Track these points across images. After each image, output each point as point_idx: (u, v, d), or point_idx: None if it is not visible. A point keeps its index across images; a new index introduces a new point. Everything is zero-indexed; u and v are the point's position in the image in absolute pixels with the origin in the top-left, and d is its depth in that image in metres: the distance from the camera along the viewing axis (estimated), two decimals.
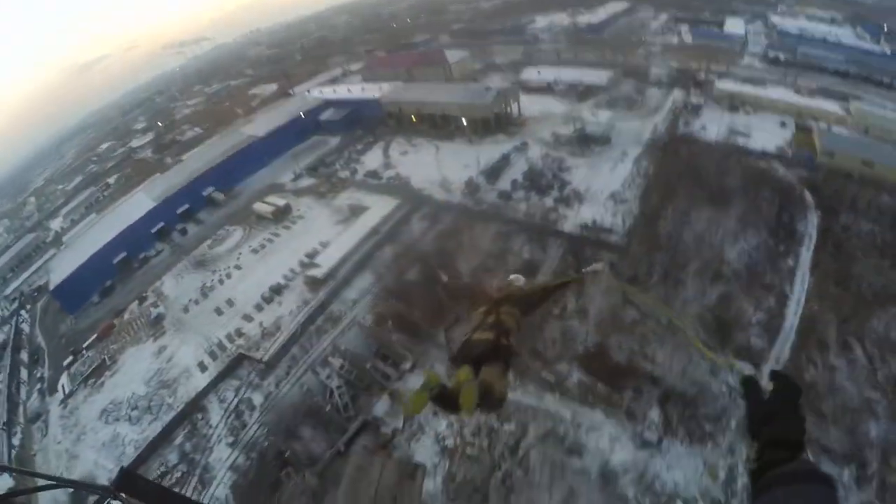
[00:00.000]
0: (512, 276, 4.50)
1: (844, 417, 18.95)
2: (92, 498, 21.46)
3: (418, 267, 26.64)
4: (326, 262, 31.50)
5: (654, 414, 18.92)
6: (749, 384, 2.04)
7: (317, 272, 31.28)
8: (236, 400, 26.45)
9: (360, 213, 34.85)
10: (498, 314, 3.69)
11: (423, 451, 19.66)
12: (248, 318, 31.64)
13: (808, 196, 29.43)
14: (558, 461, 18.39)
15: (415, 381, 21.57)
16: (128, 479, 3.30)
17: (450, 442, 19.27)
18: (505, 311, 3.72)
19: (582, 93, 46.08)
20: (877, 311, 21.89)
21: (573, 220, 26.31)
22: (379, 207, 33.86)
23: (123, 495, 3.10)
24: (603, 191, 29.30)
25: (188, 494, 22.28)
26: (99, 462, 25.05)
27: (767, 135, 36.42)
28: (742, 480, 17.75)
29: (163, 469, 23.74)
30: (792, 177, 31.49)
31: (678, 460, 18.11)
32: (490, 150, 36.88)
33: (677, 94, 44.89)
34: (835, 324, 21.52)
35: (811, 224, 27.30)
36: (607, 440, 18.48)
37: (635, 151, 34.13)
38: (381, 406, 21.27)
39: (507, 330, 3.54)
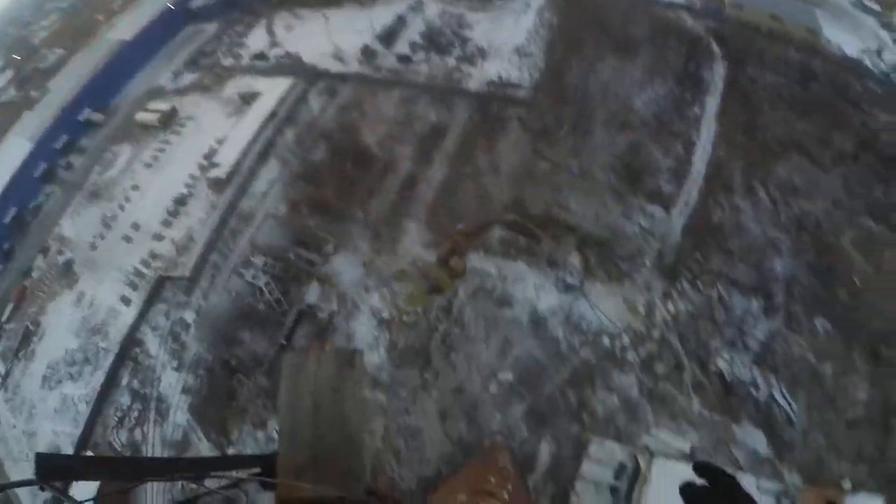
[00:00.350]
0: None
1: (751, 255, 21.31)
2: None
3: (323, 145, 25.16)
4: (226, 159, 29.02)
5: (574, 259, 20.45)
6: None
7: (218, 172, 28.86)
8: (169, 323, 25.65)
9: (253, 101, 31.53)
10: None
11: (362, 327, 20.41)
12: (158, 237, 29.40)
13: (715, 47, 29.77)
14: (491, 315, 19.85)
15: (340, 264, 21.59)
16: (46, 462, 2.93)
17: (386, 314, 20.05)
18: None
19: None
20: (781, 159, 23.62)
21: (478, 77, 25.33)
22: (271, 91, 30.64)
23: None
24: (507, 45, 28.10)
25: (149, 431, 22.43)
26: (58, 430, 24.31)
27: None
28: (660, 313, 20.27)
29: (119, 414, 23.44)
30: (699, 27, 31.46)
31: (600, 300, 20.10)
32: (383, 13, 33.50)
33: None
34: (741, 169, 23.08)
35: (718, 74, 27.96)
36: (533, 289, 20.00)
37: (538, 2, 32.37)
38: (312, 293, 21.35)
39: None
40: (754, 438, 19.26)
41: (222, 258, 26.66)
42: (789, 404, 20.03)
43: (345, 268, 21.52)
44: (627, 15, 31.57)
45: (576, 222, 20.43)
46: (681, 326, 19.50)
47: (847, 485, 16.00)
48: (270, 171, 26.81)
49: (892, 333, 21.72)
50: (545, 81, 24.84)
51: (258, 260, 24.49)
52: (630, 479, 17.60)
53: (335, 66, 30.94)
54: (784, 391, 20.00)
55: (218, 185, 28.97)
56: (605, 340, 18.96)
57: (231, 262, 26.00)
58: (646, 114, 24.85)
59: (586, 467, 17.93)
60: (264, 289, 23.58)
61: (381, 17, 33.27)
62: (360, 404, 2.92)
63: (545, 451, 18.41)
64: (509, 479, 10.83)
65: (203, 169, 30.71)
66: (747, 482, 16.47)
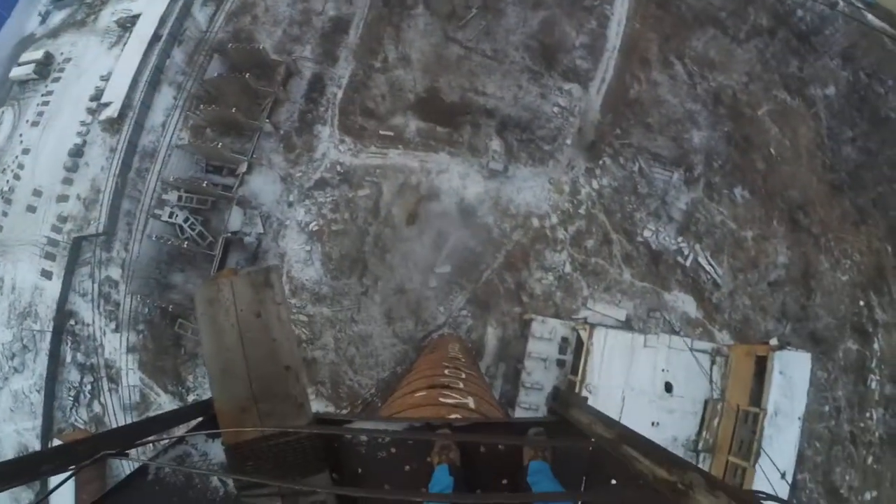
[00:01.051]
0: None
1: (669, 127, 21.25)
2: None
3: (218, 59, 22.79)
4: (115, 95, 25.92)
5: (496, 144, 19.91)
6: None
7: (110, 111, 25.90)
8: (96, 285, 24.04)
9: (133, 25, 27.83)
10: None
11: (293, 244, 19.62)
12: (63, 198, 26.75)
13: None
14: (421, 210, 19.37)
15: (257, 183, 20.25)
16: None
17: (314, 225, 19.23)
18: None
19: None
20: (696, 32, 22.99)
21: None
22: (150, 11, 26.92)
23: None
24: None
25: (106, 401, 21.66)
26: (20, 429, 22.91)
27: None
28: (585, 190, 20.31)
29: (73, 393, 22.33)
30: None
31: (525, 182, 19.90)
32: None
33: None
34: (656, 43, 22.47)
35: None
36: (458, 178, 19.52)
37: None
38: (235, 218, 20.12)
39: None
40: (685, 303, 20.45)
41: (134, 203, 24.67)
42: (714, 269, 21.21)
43: (263, 186, 20.23)
44: None
45: (494, 106, 19.64)
46: (606, 201, 19.76)
47: (774, 342, 17.18)
48: (165, 99, 24.24)
49: (807, 202, 22.93)
50: None
51: (171, 196, 22.71)
52: (574, 352, 18.44)
53: None
54: (709, 257, 21.07)
55: (112, 125, 26.18)
56: (535, 222, 19.01)
57: (144, 205, 24.12)
58: None
59: (532, 346, 18.64)
60: (184, 226, 22.08)
61: None
62: (286, 325, 2.70)
63: (492, 335, 18.92)
64: (462, 367, 10.84)
65: (93, 112, 27.49)
66: (680, 343, 17.48)
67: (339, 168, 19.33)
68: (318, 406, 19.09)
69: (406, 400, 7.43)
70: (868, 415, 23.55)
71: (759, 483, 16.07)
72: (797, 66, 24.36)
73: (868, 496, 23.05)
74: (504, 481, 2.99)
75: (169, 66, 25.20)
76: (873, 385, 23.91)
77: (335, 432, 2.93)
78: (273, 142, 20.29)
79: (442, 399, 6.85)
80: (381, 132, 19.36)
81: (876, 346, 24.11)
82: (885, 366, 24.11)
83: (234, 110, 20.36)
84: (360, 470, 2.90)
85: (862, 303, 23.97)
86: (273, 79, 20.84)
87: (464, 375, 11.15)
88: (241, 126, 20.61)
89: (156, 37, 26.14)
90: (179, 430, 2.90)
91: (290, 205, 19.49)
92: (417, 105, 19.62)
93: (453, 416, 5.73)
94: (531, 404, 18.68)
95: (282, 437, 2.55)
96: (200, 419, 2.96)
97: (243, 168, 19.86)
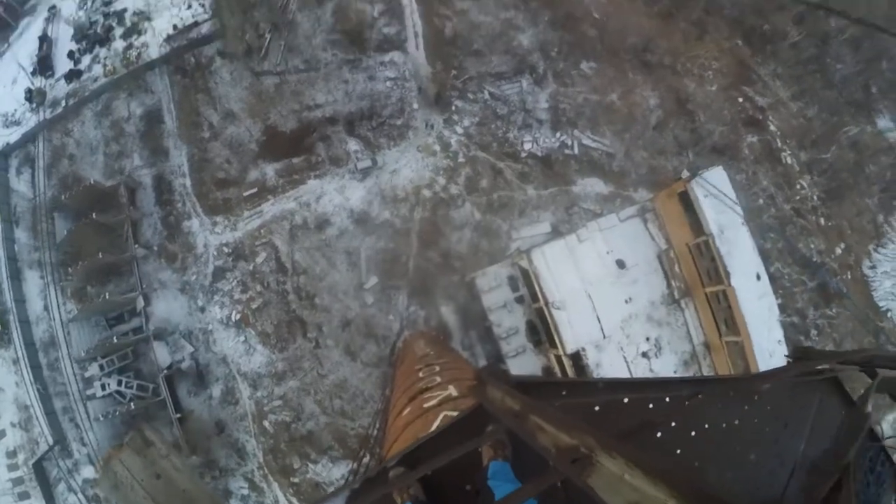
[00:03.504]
0: None
1: (496, 44, 21.34)
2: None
3: (60, 216, 21.67)
4: None
5: (353, 145, 19.70)
6: None
7: None
8: (79, 495, 22.73)
9: None
10: None
11: (226, 342, 18.97)
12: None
13: None
14: (321, 242, 19.01)
15: (160, 308, 19.30)
16: None
17: (235, 315, 18.62)
18: None
19: None
20: None
21: (155, 41, 21.74)
22: None
23: None
24: None
25: None
26: None
27: None
28: (454, 139, 20.34)
29: None
30: None
31: (398, 163, 19.80)
32: (23, 45, 27.54)
33: None
34: None
35: None
36: (337, 194, 19.25)
37: None
38: (161, 354, 19.15)
39: None
40: (593, 186, 21.01)
41: (64, 398, 22.98)
42: (601, 142, 21.85)
43: (168, 308, 19.36)
44: None
45: (332, 112, 19.35)
46: (477, 139, 19.98)
47: (685, 173, 17.69)
48: (34, 283, 22.52)
49: (648, 41, 23.72)
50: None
51: (93, 370, 21.42)
52: (525, 283, 18.64)
53: (15, 134, 25.62)
54: (590, 135, 21.66)
55: (0, 339, 24.45)
56: (426, 192, 19.04)
57: (73, 393, 22.66)
58: None
59: (487, 300, 18.77)
60: (121, 389, 20.96)
61: (24, 49, 27.48)
62: (184, 470, 2.84)
63: (447, 312, 18.95)
64: (433, 361, 10.65)
65: None
66: (609, 221, 17.81)
67: (225, 249, 18.69)
68: (339, 469, 18.70)
69: (397, 424, 7.27)
70: (798, 186, 25.10)
71: (744, 294, 16.70)
72: None
73: (838, 250, 24.70)
74: (468, 487, 2.90)
75: (18, 250, 23.53)
76: (788, 160, 25.44)
77: None
78: (153, 262, 19.41)
79: (426, 405, 6.74)
80: (244, 194, 18.83)
81: (772, 127, 25.60)
82: (789, 139, 25.66)
83: (100, 255, 19.30)
84: None
85: (741, 99, 25.32)
86: (119, 204, 19.83)
87: (437, 368, 11.03)
88: (116, 265, 19.60)
89: None
90: None
91: (202, 309, 18.77)
92: (263, 150, 19.13)
93: (441, 415, 5.62)
94: (517, 348, 18.89)
95: None
96: None
97: (141, 303, 18.91)
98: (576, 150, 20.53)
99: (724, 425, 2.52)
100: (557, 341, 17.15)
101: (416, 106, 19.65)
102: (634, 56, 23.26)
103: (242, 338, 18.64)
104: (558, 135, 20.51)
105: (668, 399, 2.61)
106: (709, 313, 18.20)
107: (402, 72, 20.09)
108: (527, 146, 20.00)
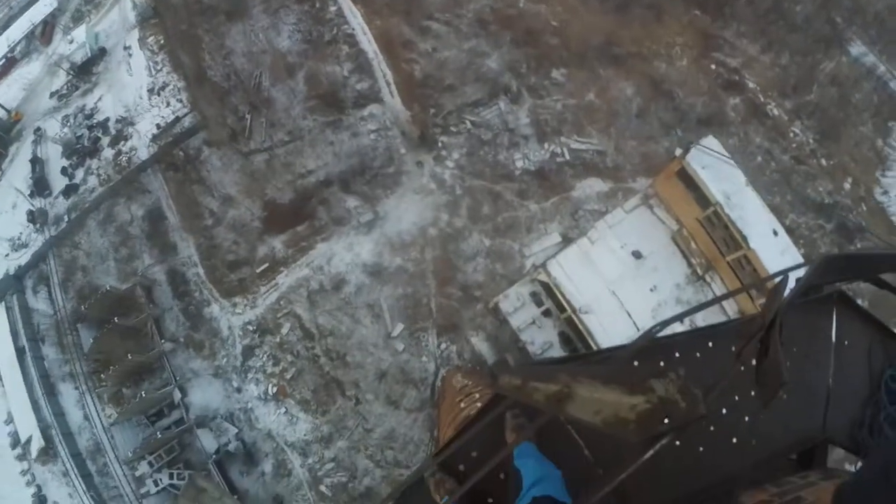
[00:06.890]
0: None
1: (466, 74, 21.78)
2: None
3: (83, 327, 22.12)
4: (29, 428, 24.22)
5: (352, 202, 20.08)
6: None
7: (36, 445, 24.22)
8: None
9: None
10: None
11: (268, 417, 19.11)
12: None
13: None
14: (341, 302, 19.25)
15: (197, 396, 19.54)
16: None
17: (272, 388, 18.81)
18: None
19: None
20: None
21: (142, 143, 22.52)
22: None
23: None
24: (141, 92, 25.11)
25: None
26: None
27: None
28: (447, 174, 20.47)
29: None
30: None
31: (399, 209, 20.03)
32: (16, 170, 28.41)
33: None
34: (402, 22, 22.71)
35: None
36: (347, 252, 19.56)
37: (133, 38, 28.49)
38: (207, 441, 19.35)
39: None
40: (592, 186, 21.18)
41: (119, 501, 23.39)
42: (589, 143, 22.07)
43: (206, 395, 19.62)
44: None
45: (325, 174, 19.78)
46: (469, 168, 20.27)
47: (678, 151, 17.74)
48: (70, 396, 22.98)
49: (610, 36, 24.03)
50: (196, 91, 22.79)
51: (143, 468, 21.61)
52: (549, 296, 18.70)
53: (25, 256, 26.32)
54: (577, 138, 21.90)
55: (47, 453, 24.54)
56: (432, 231, 19.31)
57: (127, 495, 22.86)
58: (294, 46, 23.62)
59: (514, 321, 18.81)
60: (173, 482, 21.04)
61: (18, 174, 28.33)
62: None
63: (478, 342, 19.02)
64: (473, 389, 10.74)
65: (22, 457, 25.70)
66: (616, 216, 17.82)
67: (250, 328, 18.98)
68: None
69: (446, 452, 7.29)
70: (791, 134, 25.09)
71: (766, 254, 16.35)
72: None
73: (846, 186, 24.51)
74: (501, 475, 2.97)
75: (49, 366, 24.02)
76: (775, 112, 25.47)
77: None
78: (182, 354, 19.74)
79: None
80: (257, 271, 19.23)
81: (750, 84, 25.72)
82: (770, 91, 25.72)
83: (129, 357, 19.68)
84: None
85: (713, 66, 25.53)
86: (138, 305, 20.27)
87: (477, 396, 11.11)
88: (146, 364, 19.95)
89: (19, 353, 24.87)
90: None
91: (239, 390, 18.99)
92: (267, 226, 19.57)
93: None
94: None
95: None
96: None
97: (178, 396, 19.22)
98: (567, 157, 20.76)
99: (741, 368, 2.44)
100: (592, 345, 17.11)
101: (403, 151, 20.04)
102: (601, 53, 23.62)
103: (283, 409, 18.79)
104: (546, 146, 20.78)
105: (678, 354, 2.63)
106: (736, 281, 17.96)
107: (383, 122, 20.56)
108: (519, 164, 20.27)
